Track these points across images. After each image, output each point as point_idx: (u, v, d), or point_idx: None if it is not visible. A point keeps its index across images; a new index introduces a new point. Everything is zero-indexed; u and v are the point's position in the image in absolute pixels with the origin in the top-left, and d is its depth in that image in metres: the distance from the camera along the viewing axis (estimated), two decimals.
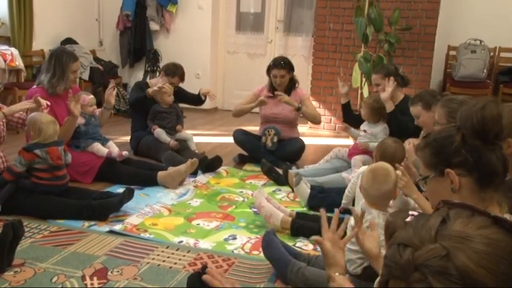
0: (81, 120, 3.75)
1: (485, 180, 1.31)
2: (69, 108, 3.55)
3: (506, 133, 1.35)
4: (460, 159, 1.31)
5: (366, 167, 2.95)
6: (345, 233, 1.86)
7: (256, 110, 4.61)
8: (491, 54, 5.87)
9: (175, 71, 4.61)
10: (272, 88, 4.47)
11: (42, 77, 3.63)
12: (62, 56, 3.59)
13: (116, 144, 3.99)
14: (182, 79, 4.65)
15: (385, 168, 2.34)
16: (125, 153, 3.78)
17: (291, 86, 4.46)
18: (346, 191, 3.02)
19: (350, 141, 5.27)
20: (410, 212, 1.20)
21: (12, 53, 5.27)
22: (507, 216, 1.34)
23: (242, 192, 3.68)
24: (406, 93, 4.07)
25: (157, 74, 6.33)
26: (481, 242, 0.76)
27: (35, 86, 3.66)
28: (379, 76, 3.99)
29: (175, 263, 2.49)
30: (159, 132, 4.38)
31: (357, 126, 4.14)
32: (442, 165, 1.35)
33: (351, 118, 4.31)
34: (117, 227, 2.89)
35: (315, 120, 4.55)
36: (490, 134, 1.30)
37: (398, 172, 2.42)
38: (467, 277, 0.73)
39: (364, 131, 3.96)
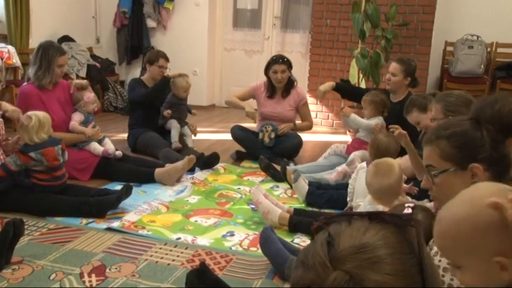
0: (80, 118, 3.75)
1: (502, 173, 1.31)
2: (90, 131, 3.70)
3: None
4: (485, 154, 1.29)
5: (364, 163, 2.97)
6: None
7: (255, 107, 4.60)
8: (489, 49, 5.87)
9: (157, 55, 4.59)
10: (271, 87, 4.47)
11: (29, 70, 3.64)
12: (49, 49, 3.58)
13: (113, 141, 3.99)
14: (167, 59, 4.62)
15: (389, 163, 2.33)
16: (118, 152, 3.75)
17: (290, 85, 4.47)
18: (348, 188, 3.03)
19: (348, 138, 5.27)
20: (406, 205, 1.19)
21: (9, 50, 5.25)
22: None
23: (240, 188, 3.69)
24: (409, 90, 4.07)
25: None
26: (373, 249, 0.73)
27: (25, 83, 3.66)
28: (400, 68, 3.92)
29: (173, 260, 2.50)
30: (174, 127, 4.38)
31: (357, 101, 4.13)
32: (467, 159, 1.32)
33: (347, 93, 4.34)
34: (115, 224, 2.89)
35: (308, 130, 4.70)
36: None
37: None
38: None
39: None
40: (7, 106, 3.15)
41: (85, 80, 4.02)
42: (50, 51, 3.57)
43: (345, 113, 3.98)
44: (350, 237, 0.75)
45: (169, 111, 4.41)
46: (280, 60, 4.38)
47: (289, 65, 4.41)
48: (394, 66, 3.98)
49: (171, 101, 4.45)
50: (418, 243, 0.77)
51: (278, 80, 4.39)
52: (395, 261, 0.73)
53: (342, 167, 3.55)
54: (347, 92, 4.46)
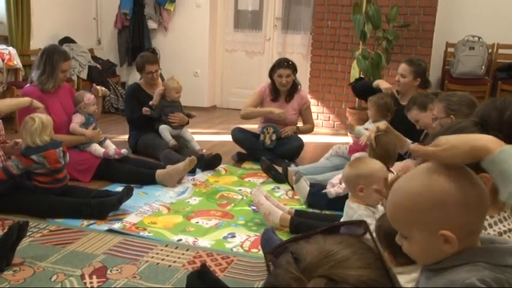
0: (80, 119, 3.75)
1: None
2: (91, 132, 3.70)
3: None
4: None
5: None
6: None
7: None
8: (490, 50, 5.86)
9: (142, 63, 4.51)
10: (274, 90, 4.45)
11: (32, 73, 3.65)
12: (53, 54, 3.59)
13: (114, 143, 3.99)
14: (153, 62, 4.53)
15: (366, 159, 2.36)
16: (123, 151, 3.77)
17: (294, 88, 4.46)
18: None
19: (349, 139, 5.27)
20: None
21: (10, 52, 5.25)
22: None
23: (241, 190, 3.68)
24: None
25: None
26: (337, 251, 0.77)
27: (28, 85, 3.66)
28: (409, 69, 3.88)
29: (174, 262, 2.50)
30: (163, 129, 4.37)
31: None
32: (473, 168, 1.35)
33: (362, 90, 4.31)
34: (116, 226, 2.89)
35: (309, 133, 4.68)
36: None
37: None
38: (359, 284, 0.75)
39: (366, 129, 3.95)
40: (37, 103, 3.30)
41: (105, 89, 4.05)
42: (54, 57, 3.57)
43: (353, 130, 3.96)
44: (312, 249, 0.79)
45: (147, 108, 4.36)
46: (285, 64, 4.35)
47: (294, 68, 4.39)
48: (403, 67, 3.94)
49: (162, 104, 4.43)
50: (374, 241, 0.83)
51: (282, 84, 4.37)
52: (361, 256, 0.78)
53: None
54: (360, 87, 4.42)
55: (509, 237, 1.34)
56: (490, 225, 1.36)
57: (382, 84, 4.07)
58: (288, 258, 0.80)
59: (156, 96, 4.40)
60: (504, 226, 1.36)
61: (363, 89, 4.29)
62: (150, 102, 4.39)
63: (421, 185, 1.02)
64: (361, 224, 0.88)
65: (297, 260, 0.78)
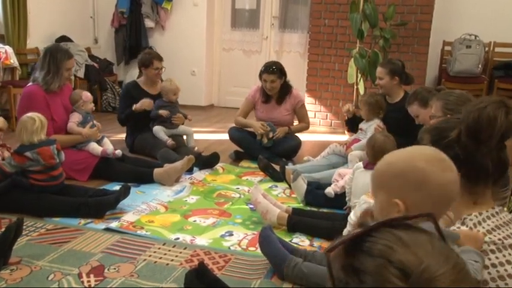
0: (78, 118, 3.74)
1: (472, 177, 1.37)
2: (87, 131, 3.68)
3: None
4: (452, 153, 1.33)
5: (361, 163, 2.97)
6: None
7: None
8: (486, 49, 5.88)
9: (150, 58, 4.51)
10: (264, 93, 4.45)
11: (36, 74, 3.64)
12: (57, 53, 3.59)
13: (111, 142, 3.98)
14: (160, 59, 4.56)
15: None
16: (118, 151, 3.75)
17: (285, 91, 4.44)
18: (346, 189, 3.03)
19: (346, 137, 5.28)
20: None
21: (6, 51, 5.24)
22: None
23: (238, 188, 3.69)
24: (405, 90, 4.07)
25: None
26: (438, 268, 0.71)
27: (30, 83, 3.66)
28: (384, 71, 3.98)
29: (172, 260, 2.50)
30: (158, 130, 4.37)
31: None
32: None
33: (354, 124, 4.29)
34: (114, 225, 2.89)
35: (304, 131, 4.67)
36: (483, 134, 1.35)
37: None
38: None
39: (361, 129, 3.96)
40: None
41: None
42: (57, 56, 3.57)
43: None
44: (412, 260, 0.71)
45: (162, 111, 4.37)
46: (270, 69, 4.33)
47: (280, 73, 4.36)
48: (378, 70, 4.07)
49: (158, 104, 4.42)
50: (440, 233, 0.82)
51: (268, 89, 4.38)
52: (456, 266, 0.72)
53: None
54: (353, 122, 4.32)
55: (498, 234, 1.34)
56: (479, 223, 1.36)
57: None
58: (393, 271, 0.70)
59: (141, 106, 4.34)
60: (493, 222, 1.37)
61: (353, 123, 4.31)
62: (133, 107, 4.34)
63: (399, 156, 1.17)
64: (428, 216, 0.81)
65: (405, 273, 0.70)
